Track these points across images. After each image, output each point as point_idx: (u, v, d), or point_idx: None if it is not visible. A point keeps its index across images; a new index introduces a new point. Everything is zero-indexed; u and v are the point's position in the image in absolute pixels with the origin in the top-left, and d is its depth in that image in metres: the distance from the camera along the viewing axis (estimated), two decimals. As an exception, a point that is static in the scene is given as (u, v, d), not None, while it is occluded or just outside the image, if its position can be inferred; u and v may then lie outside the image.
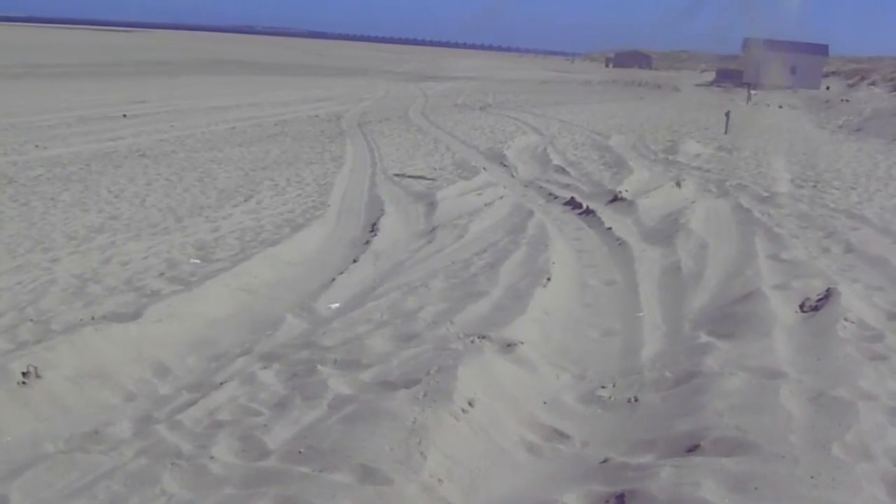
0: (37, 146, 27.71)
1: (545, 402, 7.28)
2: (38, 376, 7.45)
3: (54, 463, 6.12)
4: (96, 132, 31.71)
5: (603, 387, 7.60)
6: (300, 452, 5.96)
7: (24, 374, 7.41)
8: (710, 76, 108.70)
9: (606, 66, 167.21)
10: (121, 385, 7.82)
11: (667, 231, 13.89)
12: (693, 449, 5.96)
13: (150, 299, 10.14)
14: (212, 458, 6.02)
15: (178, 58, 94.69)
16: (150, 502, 5.48)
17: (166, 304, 9.76)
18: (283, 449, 6.08)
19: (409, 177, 20.36)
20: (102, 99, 45.70)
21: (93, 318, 9.29)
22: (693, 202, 16.51)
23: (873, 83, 73.57)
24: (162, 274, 11.65)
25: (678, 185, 18.60)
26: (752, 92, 64.71)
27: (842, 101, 59.49)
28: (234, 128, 34.01)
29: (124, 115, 37.58)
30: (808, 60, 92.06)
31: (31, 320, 9.58)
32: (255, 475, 5.75)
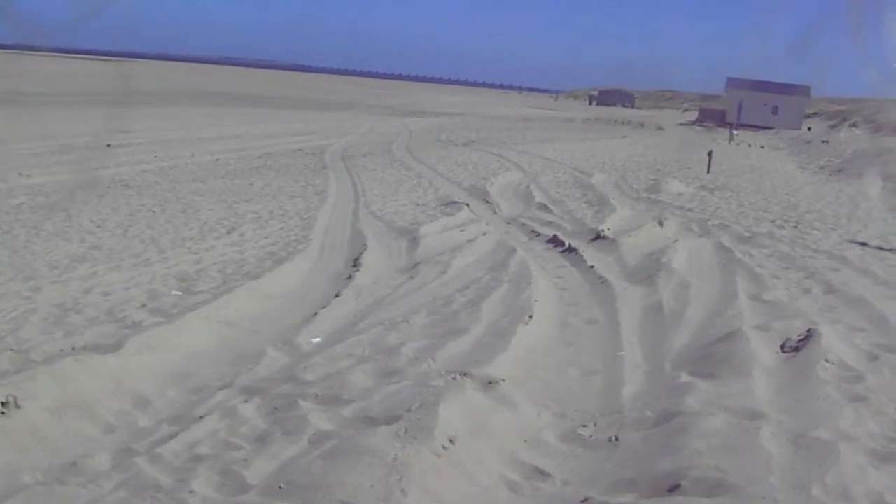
0: (20, 174, 27.67)
1: (526, 441, 7.27)
2: (17, 406, 7.40)
3: (32, 494, 6.09)
4: (80, 161, 31.65)
5: (584, 425, 7.60)
6: (280, 488, 5.93)
7: (3, 403, 7.36)
8: (693, 115, 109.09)
9: (590, 103, 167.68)
10: (100, 417, 7.78)
11: (649, 270, 13.91)
12: (673, 489, 5.95)
13: (131, 331, 10.10)
14: (191, 492, 5.99)
15: (162, 88, 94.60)
16: (128, 536, 5.46)
17: (147, 336, 9.71)
18: (263, 484, 6.05)
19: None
20: (85, 128, 45.63)
21: (73, 349, 9.26)
22: (675, 241, 16.56)
23: (854, 124, 73.83)
24: (143, 305, 11.62)
25: (660, 224, 18.66)
26: (735, 132, 64.94)
27: (823, 141, 59.78)
28: (217, 159, 34.05)
29: (108, 145, 37.55)
30: (790, 101, 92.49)
31: (11, 349, 9.55)
32: (234, 510, 5.72)
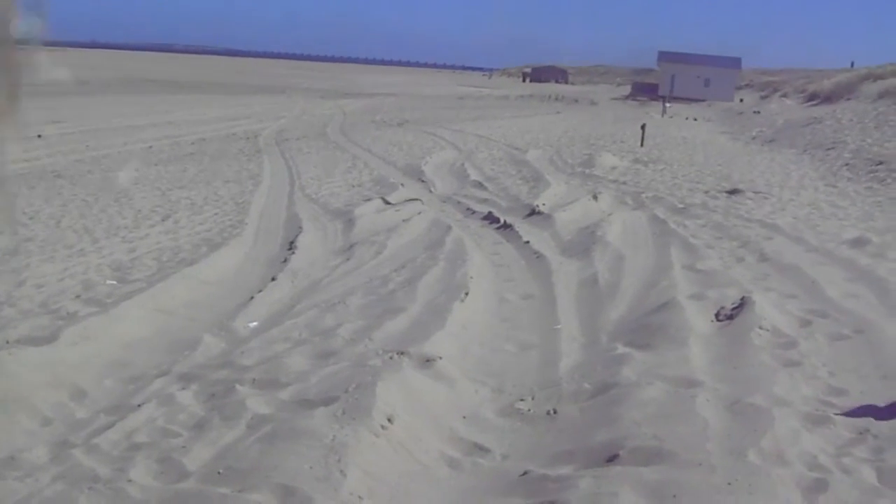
0: (-53, 168, 27.25)
1: (465, 417, 7.30)
2: (-48, 402, 7.35)
3: (-32, 490, 6.04)
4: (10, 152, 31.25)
5: (522, 400, 7.63)
6: (219, 473, 5.91)
7: (-64, 400, 7.30)
8: (627, 90, 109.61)
9: (524, 80, 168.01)
10: (37, 409, 7.71)
11: (584, 244, 13.97)
12: (612, 459, 5.99)
13: (65, 322, 10.01)
14: (130, 481, 5.95)
15: (93, 77, 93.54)
16: (66, 528, 5.43)
17: (83, 327, 9.64)
18: (202, 470, 6.03)
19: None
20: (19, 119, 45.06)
21: (7, 342, 9.17)
22: (610, 214, 16.63)
23: (785, 95, 74.39)
24: (78, 296, 11.52)
25: (595, 198, 18.72)
26: (667, 105, 65.36)
27: (754, 112, 60.20)
28: (150, 147, 33.80)
29: (39, 136, 37.11)
30: (722, 73, 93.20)
31: (-56, 345, 9.45)
32: (174, 497, 5.68)
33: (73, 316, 10.39)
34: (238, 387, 7.68)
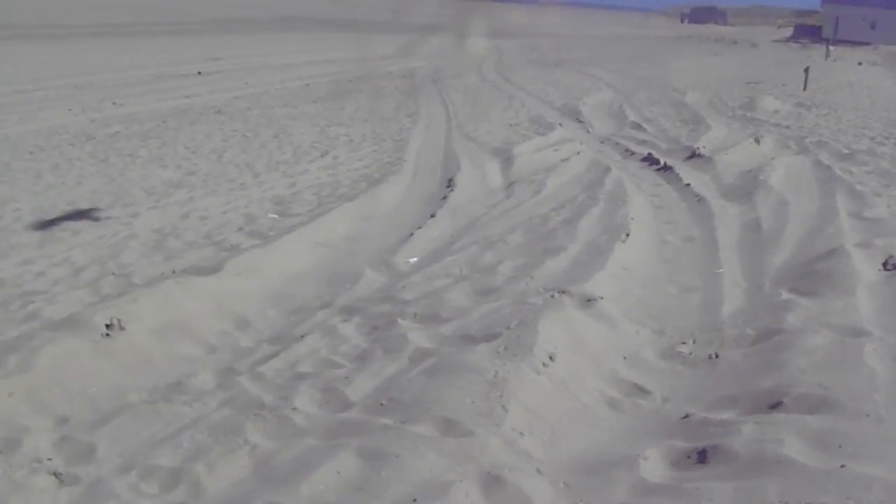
0: (114, 103, 27.96)
1: (625, 358, 7.24)
2: (121, 328, 7.54)
3: (139, 413, 6.21)
4: (172, 89, 31.90)
5: (683, 343, 7.54)
6: (382, 404, 5.98)
7: (107, 326, 7.50)
8: (788, 32, 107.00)
9: (682, 21, 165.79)
10: (202, 337, 7.90)
11: (746, 188, 13.70)
12: (775, 406, 5.88)
13: (229, 253, 10.22)
14: (294, 409, 6.06)
15: (251, 16, 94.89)
16: (233, 452, 5.53)
17: (246, 258, 9.82)
18: (364, 401, 6.11)
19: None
20: (177, 57, 45.93)
21: (174, 272, 9.38)
22: (772, 159, 16.27)
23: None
24: (241, 228, 11.73)
25: (757, 141, 18.33)
26: (831, 48, 63.60)
27: (923, 56, 58.38)
28: (308, 84, 34.05)
29: (199, 73, 37.77)
30: (890, 16, 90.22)
31: (113, 274, 9.71)
32: (338, 426, 5.77)
33: (236, 248, 10.59)
34: (400, 320, 7.74)
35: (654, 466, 5.34)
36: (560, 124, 21.90)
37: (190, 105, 27.65)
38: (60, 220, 12.88)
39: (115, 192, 14.57)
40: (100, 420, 6.11)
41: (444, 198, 13.62)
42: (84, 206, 13.70)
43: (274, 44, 59.64)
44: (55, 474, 5.39)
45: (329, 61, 44.82)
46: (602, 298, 8.16)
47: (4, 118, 24.83)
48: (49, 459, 5.56)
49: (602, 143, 19.47)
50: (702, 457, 5.35)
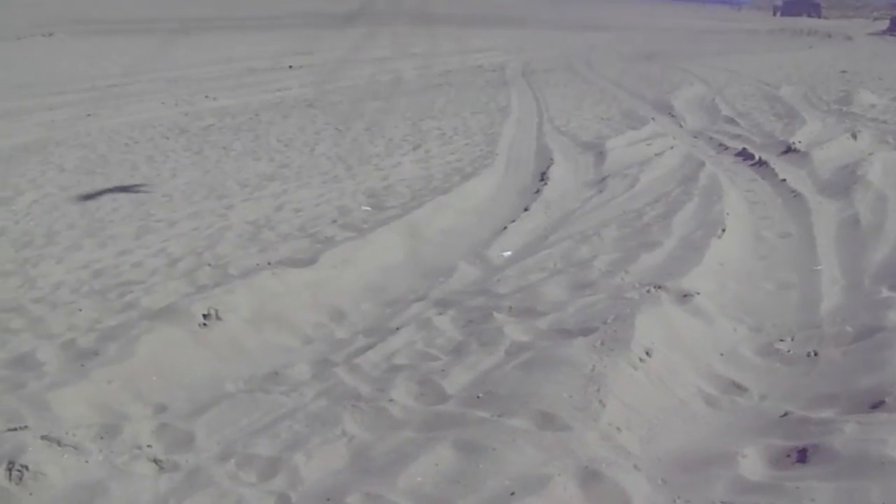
0: (206, 97, 28.34)
1: (722, 354, 7.15)
2: (218, 318, 7.63)
3: (236, 402, 6.26)
4: (263, 83, 32.21)
5: (781, 340, 7.41)
6: (478, 397, 5.96)
7: (205, 316, 7.59)
8: (884, 24, 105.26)
9: (774, 14, 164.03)
10: (298, 328, 7.96)
11: (843, 183, 13.46)
12: (877, 405, 5.75)
13: (323, 245, 10.29)
14: (391, 400, 6.06)
15: (340, 11, 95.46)
16: (331, 442, 5.54)
17: (340, 251, 9.88)
18: (461, 394, 6.09)
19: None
20: (268, 51, 46.35)
21: (269, 264, 9.48)
22: (870, 154, 15.93)
23: None
24: (334, 221, 11.80)
25: (854, 136, 18.00)
26: (929, 40, 62.51)
27: None
28: (398, 78, 34.18)
29: (290, 67, 38.08)
30: None
31: (209, 265, 9.84)
32: (435, 419, 5.76)
33: (330, 240, 10.66)
34: (495, 314, 7.72)
35: (752, 464, 5.26)
36: (652, 118, 21.74)
37: (282, 98, 27.94)
38: (156, 210, 13.07)
39: (209, 184, 14.75)
40: (198, 408, 6.18)
41: (538, 191, 13.57)
42: (179, 197, 13.87)
43: (363, 38, 59.95)
44: (155, 461, 5.45)
45: (416, 55, 45.00)
46: (698, 294, 8.07)
47: (100, 111, 25.30)
48: (149, 446, 5.63)
49: (695, 137, 19.28)
50: (802, 456, 5.26)
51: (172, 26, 67.29)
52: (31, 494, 5.08)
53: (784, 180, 13.77)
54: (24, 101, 27.91)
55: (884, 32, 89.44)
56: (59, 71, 37.03)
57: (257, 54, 44.08)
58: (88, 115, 25.04)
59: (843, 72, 34.10)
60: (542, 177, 14.64)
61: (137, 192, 14.43)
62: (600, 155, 16.55)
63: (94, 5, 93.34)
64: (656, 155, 16.19)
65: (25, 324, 8.25)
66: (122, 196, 14.13)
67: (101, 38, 56.30)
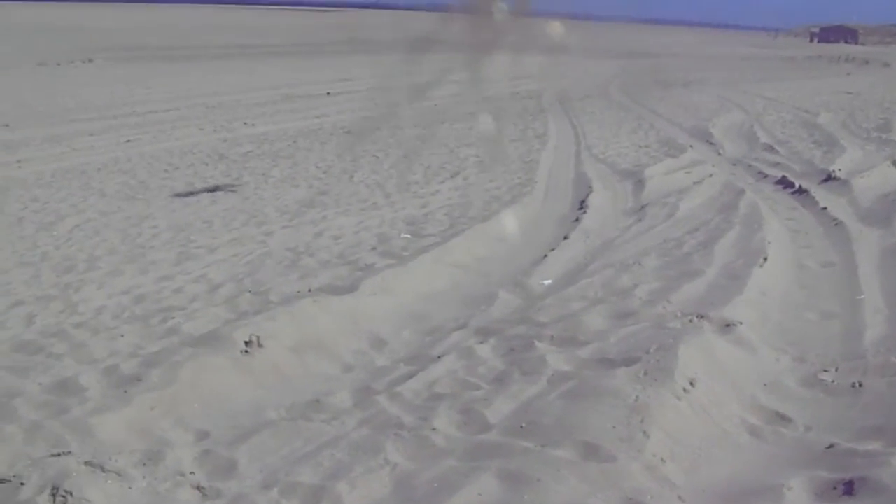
0: (245, 123, 28.50)
1: (766, 385, 7.10)
2: (259, 346, 7.64)
3: (278, 430, 6.25)
4: (301, 110, 32.36)
5: (825, 370, 7.35)
6: (522, 427, 5.93)
7: (246, 343, 7.61)
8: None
9: (811, 41, 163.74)
10: (339, 356, 7.96)
11: (885, 212, 13.39)
12: (924, 437, 5.72)
13: (363, 273, 10.31)
14: (434, 429, 6.05)
15: (377, 37, 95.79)
16: (374, 471, 5.53)
17: (380, 278, 9.89)
18: (504, 423, 6.07)
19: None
20: (306, 77, 46.59)
21: (310, 291, 9.51)
22: (912, 182, 15.91)
23: None
24: (374, 248, 11.82)
25: (894, 164, 17.95)
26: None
27: None
28: (436, 105, 34.26)
29: (328, 93, 38.24)
30: None
31: (250, 292, 9.86)
32: (477, 448, 5.74)
33: (370, 267, 10.67)
34: (537, 343, 7.69)
35: (798, 497, 5.22)
36: (690, 146, 21.73)
37: (320, 125, 28.07)
38: (196, 237, 13.13)
39: (248, 211, 14.82)
40: (240, 436, 6.17)
41: (577, 220, 13.56)
42: (218, 224, 13.93)
43: (400, 64, 60.13)
44: (198, 488, 5.46)
45: (454, 82, 44.99)
46: (741, 324, 8.02)
47: (140, 136, 25.49)
48: (192, 473, 5.63)
49: (734, 165, 19.23)
50: (848, 488, 5.21)
51: (215, 52, 67.82)
52: (75, 520, 5.11)
53: (825, 208, 13.72)
54: (65, 127, 28.20)
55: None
56: (99, 97, 37.36)
57: (296, 81, 44.31)
58: (128, 140, 25.25)
59: (883, 103, 33.82)
60: (581, 205, 14.63)
61: (177, 218, 14.52)
62: (639, 183, 16.53)
63: (132, 34, 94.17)
64: (695, 183, 16.16)
65: (68, 349, 8.27)
66: (161, 221, 14.21)
67: (140, 65, 56.76)
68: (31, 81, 45.07)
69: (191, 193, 16.97)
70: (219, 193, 16.74)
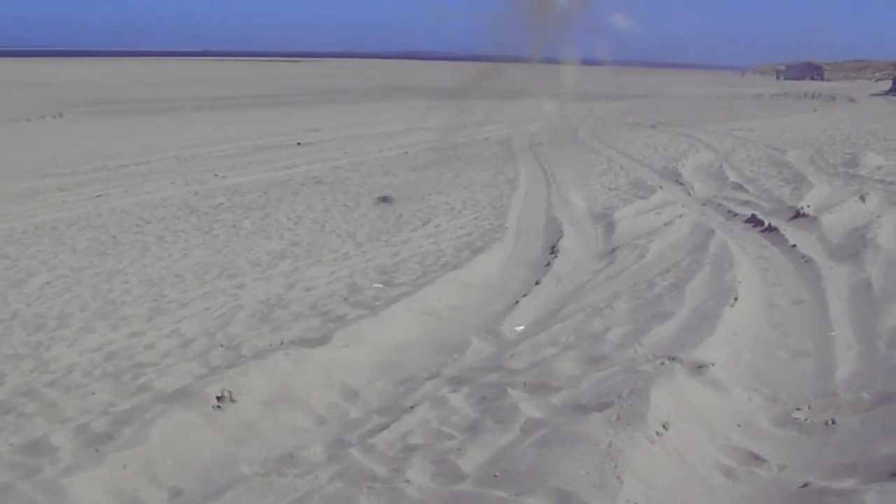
0: (216, 175, 28.48)
1: (739, 425, 7.11)
2: (232, 400, 7.63)
3: (252, 485, 6.23)
4: (272, 160, 32.40)
5: (798, 409, 7.37)
6: (495, 476, 5.92)
7: (218, 398, 7.59)
8: (886, 85, 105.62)
9: (777, 78, 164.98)
10: (312, 409, 7.94)
11: (853, 247, 13.45)
12: (897, 473, 5.73)
13: (336, 324, 10.30)
14: (407, 481, 6.03)
15: (347, 86, 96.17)
16: (348, 526, 5.52)
17: (353, 329, 9.88)
18: (477, 472, 6.05)
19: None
20: (277, 128, 46.67)
21: (282, 343, 9.48)
22: (879, 216, 15.95)
23: None
24: (346, 299, 11.81)
25: (862, 199, 18.03)
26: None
27: None
28: (406, 153, 34.41)
29: (298, 144, 38.33)
30: None
31: (222, 345, 9.84)
32: (452, 499, 5.73)
33: (342, 318, 10.67)
34: (510, 390, 7.69)
35: (774, 538, 5.24)
36: (660, 187, 21.83)
37: (291, 176, 28.10)
38: (168, 291, 13.09)
39: (220, 264, 14.79)
40: (213, 492, 6.16)
41: (548, 264, 13.59)
42: (190, 277, 13.90)
43: (370, 114, 60.32)
44: (172, 548, 5.43)
45: (425, 129, 45.19)
46: (713, 365, 8.04)
47: (111, 191, 25.46)
48: (165, 533, 5.60)
49: (704, 205, 19.34)
50: (823, 527, 5.24)
51: (187, 105, 67.93)
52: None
53: (794, 246, 13.79)
54: (35, 182, 28.17)
55: (886, 93, 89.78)
56: (69, 152, 37.34)
57: (267, 132, 44.38)
58: (99, 195, 25.20)
59: (849, 139, 34.06)
60: (552, 249, 14.68)
61: (149, 272, 14.48)
62: (609, 226, 16.60)
63: (103, 87, 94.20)
64: (665, 224, 16.23)
65: (39, 408, 8.22)
66: (133, 277, 14.17)
67: (109, 119, 56.80)
68: (2, 137, 45.06)
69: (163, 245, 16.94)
70: (190, 246, 16.71)
